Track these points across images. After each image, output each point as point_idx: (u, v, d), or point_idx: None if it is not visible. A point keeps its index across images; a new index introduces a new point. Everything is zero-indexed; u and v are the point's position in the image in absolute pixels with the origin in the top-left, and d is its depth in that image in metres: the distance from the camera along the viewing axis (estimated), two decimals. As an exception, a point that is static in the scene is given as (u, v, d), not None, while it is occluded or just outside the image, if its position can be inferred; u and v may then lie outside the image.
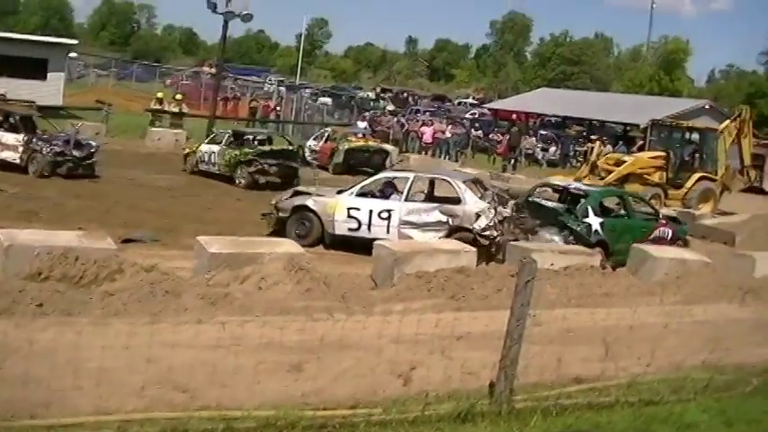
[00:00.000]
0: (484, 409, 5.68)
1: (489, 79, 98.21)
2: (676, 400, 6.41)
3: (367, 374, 6.32)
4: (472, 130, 39.20)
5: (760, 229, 17.27)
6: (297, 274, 8.76)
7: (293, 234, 13.13)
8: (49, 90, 31.40)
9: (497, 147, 34.74)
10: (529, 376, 6.15)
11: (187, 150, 22.47)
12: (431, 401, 5.73)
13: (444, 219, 13.02)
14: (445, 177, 14.30)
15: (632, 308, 8.54)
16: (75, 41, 40.19)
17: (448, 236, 12.56)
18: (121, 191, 17.48)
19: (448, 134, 34.28)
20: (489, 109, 55.63)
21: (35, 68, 31.30)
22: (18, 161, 18.28)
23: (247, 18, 29.18)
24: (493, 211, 12.88)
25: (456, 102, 70.15)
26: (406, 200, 13.40)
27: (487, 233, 12.69)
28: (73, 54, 42.73)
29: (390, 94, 67.83)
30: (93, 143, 19.55)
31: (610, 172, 22.36)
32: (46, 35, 44.93)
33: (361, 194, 13.65)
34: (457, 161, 30.94)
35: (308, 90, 55.59)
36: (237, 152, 20.54)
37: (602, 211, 14.29)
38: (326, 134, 26.57)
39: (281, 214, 13.77)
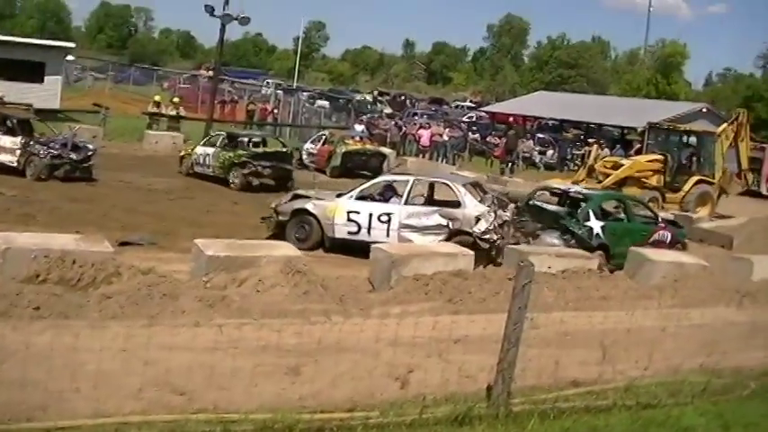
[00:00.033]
0: (481, 413, 5.67)
1: (486, 82, 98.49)
2: (674, 403, 6.41)
3: (364, 377, 6.32)
4: (469, 133, 39.21)
5: (757, 233, 17.28)
6: (294, 277, 8.75)
7: (293, 238, 13.10)
8: (47, 93, 31.38)
9: (494, 150, 34.77)
10: (526, 379, 6.14)
11: (183, 153, 22.51)
12: (428, 404, 5.73)
13: (444, 222, 13.01)
14: (445, 181, 14.28)
15: (630, 311, 8.52)
16: (72, 44, 40.23)
17: (448, 239, 12.55)
18: (119, 194, 17.46)
19: (445, 137, 34.27)
20: (486, 112, 55.71)
21: (32, 71, 31.26)
22: (15, 164, 18.25)
23: (245, 21, 29.25)
24: (493, 214, 12.87)
25: (453, 105, 70.24)
26: (405, 203, 13.39)
27: (487, 237, 12.68)
28: (70, 57, 42.70)
29: (388, 98, 67.82)
30: (91, 146, 19.52)
31: (607, 175, 22.39)
32: (43, 38, 44.94)
33: (361, 198, 13.63)
34: (454, 164, 30.94)
35: (305, 93, 55.56)
36: (231, 154, 20.59)
37: (603, 215, 14.31)
38: (324, 137, 26.55)
39: (280, 218, 13.73)
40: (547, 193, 15.96)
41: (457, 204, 13.22)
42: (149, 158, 24.29)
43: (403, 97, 69.91)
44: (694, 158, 24.08)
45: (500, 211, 13.10)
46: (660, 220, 15.18)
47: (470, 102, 74.78)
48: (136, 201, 16.80)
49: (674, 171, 23.22)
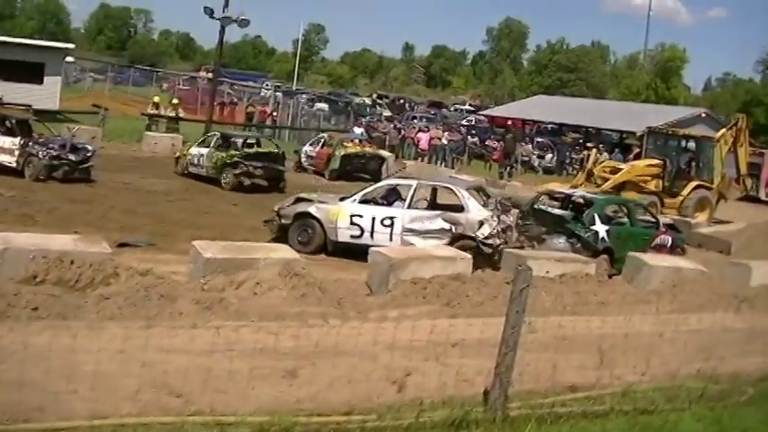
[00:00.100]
0: (478, 417, 5.66)
1: (486, 86, 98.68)
2: (671, 409, 6.41)
3: (362, 381, 6.31)
4: (468, 136, 39.26)
5: (756, 238, 17.28)
6: (292, 280, 8.75)
7: (295, 241, 13.05)
8: (46, 94, 31.40)
9: (493, 153, 34.80)
10: (523, 384, 6.14)
11: (178, 153, 22.52)
12: (425, 408, 5.72)
13: (447, 226, 13.00)
14: (448, 185, 14.27)
15: (627, 316, 8.54)
16: (71, 45, 40.20)
17: (450, 244, 12.48)
18: (117, 195, 17.47)
19: (444, 140, 34.29)
20: (485, 115, 55.77)
21: (32, 72, 31.27)
22: (14, 165, 18.25)
23: (244, 23, 29.24)
24: (496, 219, 12.87)
25: (452, 108, 70.35)
26: (408, 207, 13.37)
27: (490, 241, 12.67)
28: (69, 58, 42.74)
29: (387, 101, 67.95)
30: (90, 147, 19.52)
31: (606, 180, 22.40)
32: (43, 39, 44.92)
33: (364, 202, 13.62)
34: (453, 167, 30.97)
35: (304, 96, 55.60)
36: (224, 154, 20.61)
37: (607, 219, 14.36)
38: (323, 140, 26.55)
39: (283, 221, 13.68)
40: (546, 197, 15.96)
41: (460, 209, 13.21)
42: (148, 160, 24.29)
43: (402, 100, 70.08)
44: (693, 163, 24.08)
45: (503, 216, 13.09)
46: (661, 224, 15.22)
47: (469, 105, 74.90)
48: (134, 202, 16.81)
49: (672, 176, 23.23)
